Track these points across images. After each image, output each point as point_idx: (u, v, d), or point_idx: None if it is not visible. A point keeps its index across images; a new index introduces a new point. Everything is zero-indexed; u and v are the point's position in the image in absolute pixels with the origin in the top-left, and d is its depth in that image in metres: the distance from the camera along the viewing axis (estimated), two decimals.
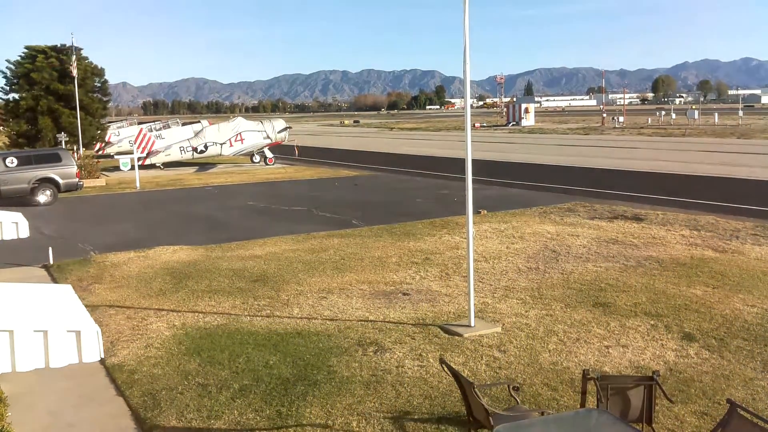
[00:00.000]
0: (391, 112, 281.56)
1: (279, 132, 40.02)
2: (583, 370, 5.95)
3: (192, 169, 37.38)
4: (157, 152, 36.58)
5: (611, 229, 16.17)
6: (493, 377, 7.66)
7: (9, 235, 17.63)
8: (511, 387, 6.15)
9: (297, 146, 41.06)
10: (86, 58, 44.10)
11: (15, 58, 42.70)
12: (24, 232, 17.78)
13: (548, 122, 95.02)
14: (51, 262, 14.15)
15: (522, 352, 8.40)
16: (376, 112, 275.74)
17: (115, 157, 37.37)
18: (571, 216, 18.20)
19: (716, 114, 77.47)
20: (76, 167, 25.27)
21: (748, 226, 16.04)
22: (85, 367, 8.40)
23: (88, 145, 42.47)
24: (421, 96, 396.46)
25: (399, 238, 15.90)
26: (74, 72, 36.65)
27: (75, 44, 38.23)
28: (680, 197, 21.29)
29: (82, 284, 12.30)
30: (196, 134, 40.28)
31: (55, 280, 12.74)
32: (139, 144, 32.52)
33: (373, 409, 6.94)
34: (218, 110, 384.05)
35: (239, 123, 40.00)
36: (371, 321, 9.76)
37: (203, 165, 38.79)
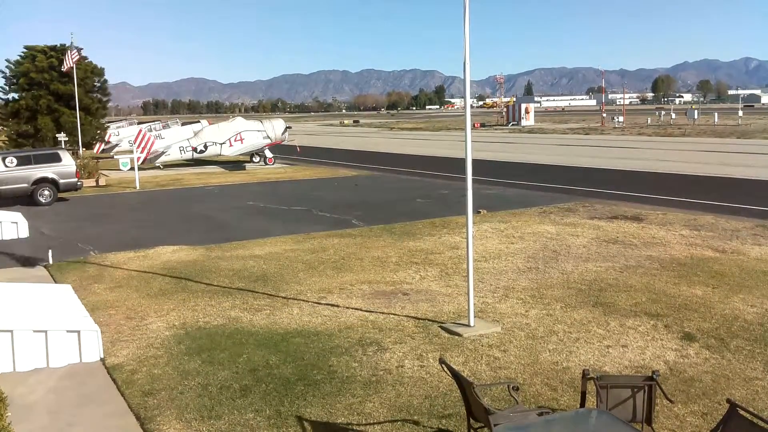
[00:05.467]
0: (391, 111, 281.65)
1: (279, 132, 40.03)
2: (583, 370, 5.94)
3: (192, 170, 37.39)
4: (157, 153, 36.57)
5: (611, 229, 16.17)
6: (493, 377, 7.65)
7: (9, 235, 17.76)
8: (511, 387, 6.14)
9: (299, 146, 41.07)
10: (86, 58, 44.15)
11: (15, 58, 42.76)
12: (24, 232, 17.93)
13: (548, 122, 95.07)
14: (51, 262, 14.14)
15: (522, 352, 8.40)
16: (375, 112, 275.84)
17: (115, 157, 37.42)
18: (571, 216, 18.20)
19: (716, 114, 77.49)
20: (75, 167, 25.25)
21: (748, 226, 16.04)
22: (85, 366, 8.43)
23: (88, 145, 42.51)
24: (421, 96, 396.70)
25: (399, 238, 15.90)
26: (69, 63, 36.52)
27: (75, 44, 38.24)
28: (680, 197, 21.29)
29: (82, 284, 12.29)
30: (196, 134, 40.31)
31: (55, 280, 12.73)
32: (139, 144, 32.50)
33: (373, 409, 6.94)
34: (218, 110, 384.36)
35: (239, 123, 40.00)
36: (371, 321, 9.76)
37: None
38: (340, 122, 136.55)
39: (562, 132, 68.46)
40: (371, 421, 6.68)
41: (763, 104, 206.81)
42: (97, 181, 29.73)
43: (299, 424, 6.65)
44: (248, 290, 11.63)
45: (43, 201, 23.91)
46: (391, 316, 9.98)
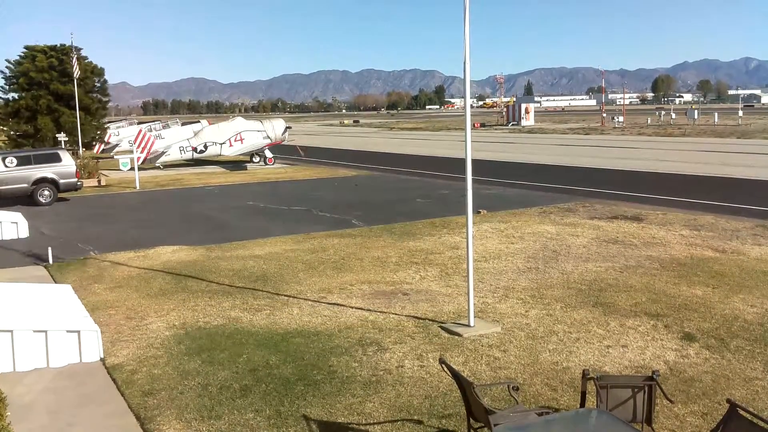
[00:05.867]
0: (391, 111, 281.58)
1: (279, 132, 40.02)
2: (583, 370, 5.94)
3: (192, 170, 37.39)
4: (157, 153, 36.56)
5: (611, 229, 16.17)
6: (493, 377, 7.66)
7: (9, 235, 17.76)
8: (511, 387, 6.14)
9: (302, 147, 41.03)
10: (86, 58, 44.18)
11: (15, 58, 42.78)
12: (23, 232, 17.94)
13: (548, 122, 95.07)
14: (51, 262, 14.15)
15: (522, 352, 8.40)
16: (375, 112, 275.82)
17: (115, 157, 37.43)
18: (571, 216, 18.20)
19: (716, 114, 77.50)
20: (75, 167, 25.25)
21: (748, 226, 16.04)
22: (85, 366, 8.44)
23: (87, 145, 42.52)
24: (421, 96, 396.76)
25: (399, 238, 15.90)
26: (75, 70, 36.62)
27: (74, 44, 38.27)
28: (680, 197, 21.29)
29: (82, 284, 12.30)
30: (196, 134, 40.31)
31: (55, 280, 12.73)
32: (139, 144, 32.50)
33: (373, 409, 6.94)
34: (218, 110, 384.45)
35: (239, 123, 39.99)
36: (371, 321, 9.76)
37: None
38: (340, 122, 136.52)
39: (562, 132, 68.46)
40: (371, 421, 6.68)
41: (763, 104, 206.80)
42: (99, 182, 29.81)
43: (299, 424, 6.65)
44: (248, 290, 11.63)
45: (43, 201, 23.90)
46: (391, 316, 9.98)
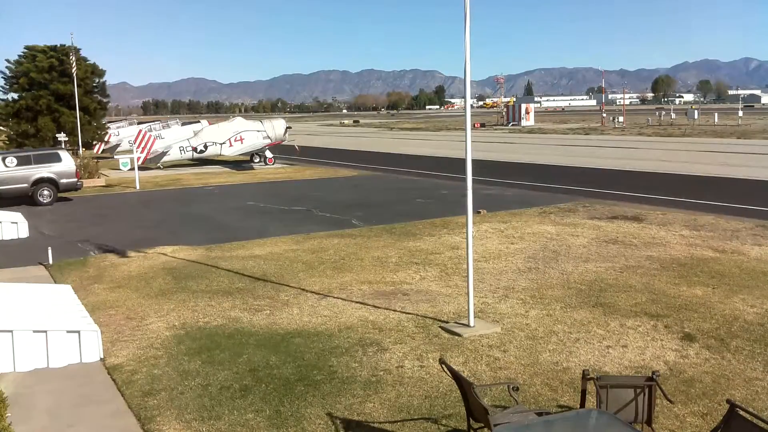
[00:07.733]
0: (391, 112, 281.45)
1: (279, 132, 40.02)
2: (583, 371, 5.94)
3: (192, 170, 37.39)
4: (157, 153, 36.55)
5: (611, 229, 16.17)
6: (493, 377, 7.66)
7: (9, 235, 17.75)
8: (511, 387, 6.14)
9: (297, 145, 41.05)
10: (86, 59, 44.21)
11: (15, 58, 42.80)
12: (24, 232, 17.95)
13: (548, 122, 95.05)
14: (51, 262, 14.14)
15: (522, 352, 8.40)
16: (376, 113, 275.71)
17: (116, 157, 37.45)
18: (571, 216, 18.20)
19: (716, 114, 77.49)
20: (75, 167, 25.24)
21: (748, 226, 16.04)
22: (85, 367, 8.44)
23: (88, 145, 42.55)
24: (422, 96, 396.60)
25: (399, 238, 15.90)
26: (73, 67, 36.65)
27: (74, 44, 38.30)
28: (680, 197, 21.29)
29: (82, 284, 12.30)
30: (196, 134, 40.31)
31: (55, 280, 12.73)
32: (140, 144, 32.49)
33: (373, 409, 6.94)
34: (218, 110, 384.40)
35: (239, 123, 39.98)
36: (371, 321, 9.76)
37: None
38: (340, 122, 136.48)
39: (562, 132, 68.44)
40: (371, 421, 6.68)
41: (763, 104, 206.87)
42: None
43: (299, 424, 6.65)
44: (248, 290, 11.63)
45: (43, 201, 23.89)
46: (391, 316, 9.98)
